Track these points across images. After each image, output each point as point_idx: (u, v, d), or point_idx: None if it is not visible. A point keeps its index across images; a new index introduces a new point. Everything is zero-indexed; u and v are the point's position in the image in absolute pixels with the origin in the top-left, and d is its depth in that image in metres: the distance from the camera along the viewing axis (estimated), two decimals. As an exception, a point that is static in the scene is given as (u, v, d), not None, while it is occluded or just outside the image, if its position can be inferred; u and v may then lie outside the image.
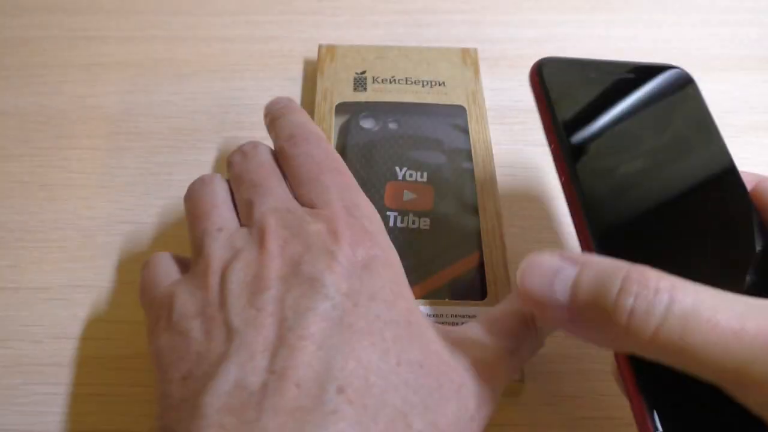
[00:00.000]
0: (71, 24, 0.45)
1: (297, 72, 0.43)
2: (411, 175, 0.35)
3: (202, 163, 0.38)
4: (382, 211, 0.33)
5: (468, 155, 0.36)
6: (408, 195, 0.35)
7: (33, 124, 0.40)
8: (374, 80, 0.39)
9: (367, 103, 0.38)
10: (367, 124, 0.38)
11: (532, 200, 0.37)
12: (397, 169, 0.36)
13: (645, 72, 0.30)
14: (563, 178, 0.24)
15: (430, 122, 0.38)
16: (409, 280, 0.26)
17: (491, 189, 0.35)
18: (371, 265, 0.24)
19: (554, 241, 0.35)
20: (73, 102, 0.41)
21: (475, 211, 0.34)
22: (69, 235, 0.35)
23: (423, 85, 0.39)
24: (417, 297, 0.30)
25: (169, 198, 0.36)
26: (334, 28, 0.46)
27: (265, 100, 0.32)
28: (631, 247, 0.22)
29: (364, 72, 0.40)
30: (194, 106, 0.40)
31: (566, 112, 0.26)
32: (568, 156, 0.24)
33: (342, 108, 0.38)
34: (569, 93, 0.26)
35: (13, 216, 0.36)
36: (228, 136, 0.39)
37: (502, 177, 0.37)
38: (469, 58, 0.42)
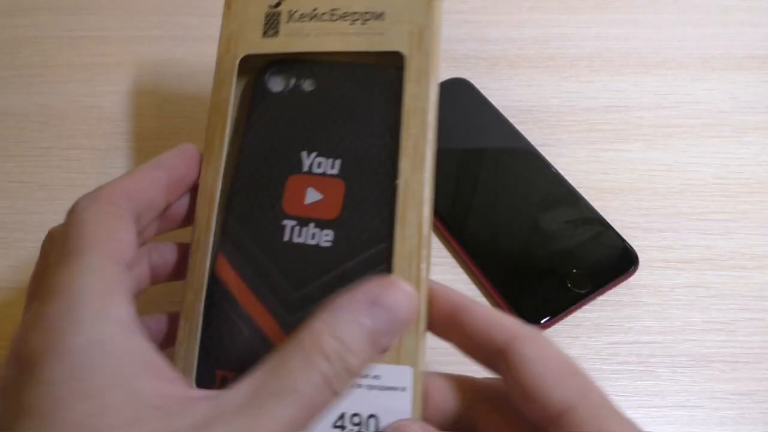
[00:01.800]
0: (71, 24, 0.44)
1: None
2: (320, 165, 0.26)
3: (202, 163, 0.38)
4: (276, 218, 0.26)
5: (391, 136, 0.26)
6: (312, 195, 0.26)
7: (33, 124, 0.40)
8: (290, 17, 0.28)
9: (276, 55, 0.28)
10: (275, 85, 0.28)
11: (532, 200, 0.37)
12: (305, 155, 0.26)
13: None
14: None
15: (356, 80, 0.28)
16: (290, 320, 0.24)
17: (419, 189, 0.25)
18: None
19: (554, 241, 0.35)
20: (73, 102, 0.41)
21: (388, 223, 0.25)
22: (69, 235, 0.35)
23: (353, 21, 0.28)
24: None
25: (169, 198, 0.36)
26: (334, 28, 0.46)
27: (265, 100, 0.32)
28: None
29: (279, 4, 0.28)
30: (194, 106, 0.40)
31: None
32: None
33: (248, 64, 0.28)
34: None
35: (13, 216, 0.36)
36: (228, 136, 0.39)
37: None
38: None
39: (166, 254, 0.27)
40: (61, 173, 0.37)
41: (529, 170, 0.37)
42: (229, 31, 0.28)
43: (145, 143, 0.39)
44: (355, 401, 0.23)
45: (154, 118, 0.40)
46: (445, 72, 0.43)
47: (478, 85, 0.41)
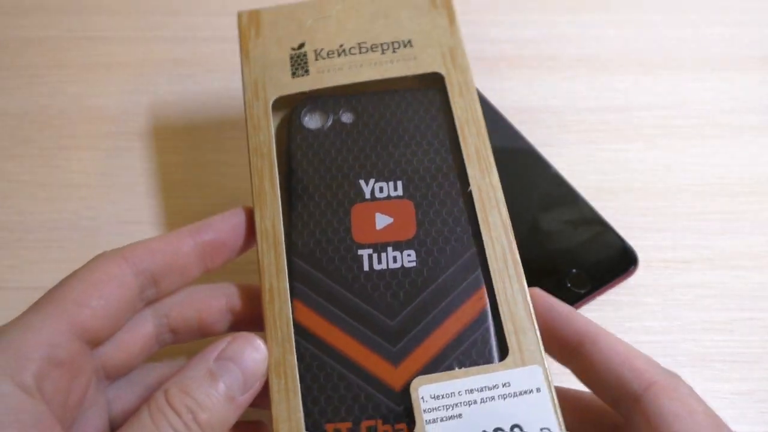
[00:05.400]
0: (71, 24, 0.44)
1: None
2: (382, 189, 0.26)
3: (202, 163, 0.38)
4: (350, 250, 0.25)
5: (453, 145, 0.27)
6: (382, 220, 0.26)
7: (33, 124, 0.40)
8: (317, 56, 0.29)
9: (312, 92, 0.28)
10: (312, 122, 0.28)
11: (532, 200, 0.37)
12: (363, 183, 0.27)
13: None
14: None
15: (396, 105, 0.28)
16: (394, 351, 0.23)
17: (492, 192, 0.26)
18: None
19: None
20: (73, 102, 0.41)
21: (472, 227, 0.26)
22: (69, 235, 0.35)
23: (383, 51, 0.29)
24: (411, 374, 0.23)
25: (170, 198, 0.36)
26: (334, 28, 0.46)
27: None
28: None
29: (302, 45, 0.29)
30: (194, 106, 0.40)
31: None
32: None
33: (281, 105, 0.28)
34: None
35: (13, 216, 0.36)
36: (228, 137, 0.39)
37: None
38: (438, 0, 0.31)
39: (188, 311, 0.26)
40: (61, 173, 0.37)
41: (529, 170, 0.37)
42: (254, 77, 0.28)
43: (146, 143, 0.39)
44: (492, 416, 0.22)
45: (155, 119, 0.40)
46: (445, 72, 0.43)
47: (478, 85, 0.41)
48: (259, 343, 0.23)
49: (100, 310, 0.22)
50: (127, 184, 0.37)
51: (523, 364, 0.23)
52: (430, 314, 0.24)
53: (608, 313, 0.33)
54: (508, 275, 0.24)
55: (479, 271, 0.25)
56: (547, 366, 0.23)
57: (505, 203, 0.26)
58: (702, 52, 0.45)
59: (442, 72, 0.29)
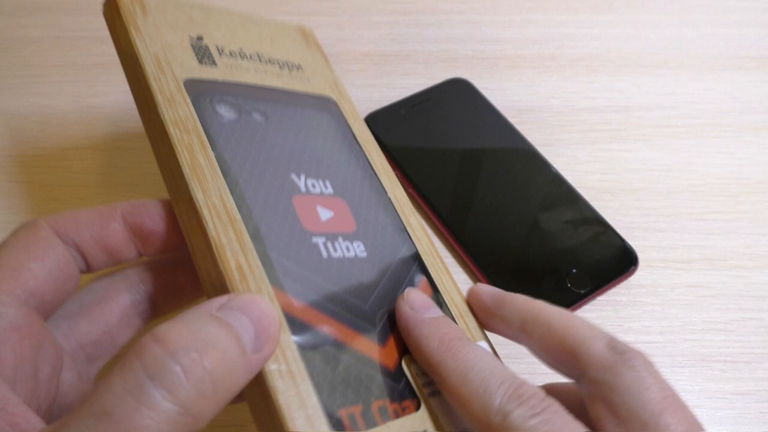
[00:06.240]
0: (71, 24, 0.45)
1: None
2: (314, 186, 0.26)
3: (202, 163, 0.38)
4: (304, 237, 0.24)
5: (361, 159, 0.29)
6: (324, 213, 0.25)
7: (33, 124, 0.40)
8: (220, 52, 0.28)
9: (225, 83, 0.27)
10: (225, 112, 0.26)
11: (532, 200, 0.37)
12: (295, 177, 0.25)
13: (435, 91, 0.40)
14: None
15: (302, 115, 0.28)
16: (377, 332, 0.23)
17: (404, 200, 0.29)
18: None
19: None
20: (73, 102, 0.41)
21: (400, 229, 0.27)
22: (69, 235, 0.35)
23: (280, 67, 0.30)
24: (398, 352, 0.23)
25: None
26: (334, 28, 0.46)
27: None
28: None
29: (201, 38, 0.28)
30: (194, 106, 0.40)
31: (400, 154, 0.37)
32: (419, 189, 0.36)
33: (190, 88, 0.26)
34: (395, 136, 0.38)
35: (13, 216, 0.36)
36: (228, 136, 0.39)
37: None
38: (310, 40, 0.33)
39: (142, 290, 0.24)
40: (61, 173, 0.37)
41: (529, 170, 0.37)
42: (153, 51, 0.26)
43: (146, 143, 0.39)
44: None
45: (154, 118, 0.40)
46: (445, 72, 0.43)
47: (478, 85, 0.41)
48: (269, 300, 0.20)
49: (38, 271, 0.21)
50: (127, 184, 0.37)
51: (475, 340, 0.25)
52: (387, 300, 0.24)
53: (608, 313, 0.33)
54: (438, 268, 0.27)
55: (418, 263, 0.26)
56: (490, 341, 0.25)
57: (411, 207, 0.29)
58: (702, 52, 0.45)
59: (334, 98, 0.31)
